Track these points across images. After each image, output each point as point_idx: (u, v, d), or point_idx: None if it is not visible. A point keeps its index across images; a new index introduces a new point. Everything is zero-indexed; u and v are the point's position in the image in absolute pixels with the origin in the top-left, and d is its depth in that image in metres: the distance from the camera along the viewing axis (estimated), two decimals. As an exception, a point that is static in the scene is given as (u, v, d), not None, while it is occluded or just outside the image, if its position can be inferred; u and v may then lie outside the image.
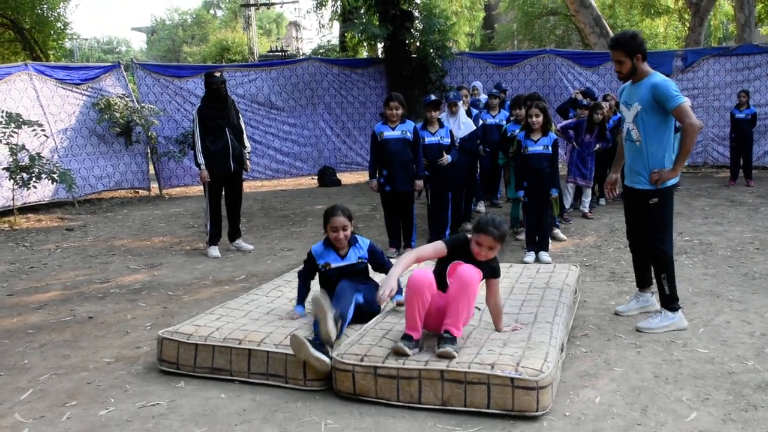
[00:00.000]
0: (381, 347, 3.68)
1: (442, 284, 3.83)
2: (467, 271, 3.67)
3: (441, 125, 7.12)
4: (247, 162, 7.37)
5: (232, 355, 3.90)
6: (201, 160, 7.04)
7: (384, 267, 4.49)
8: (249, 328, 4.08)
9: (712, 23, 18.35)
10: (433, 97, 7.32)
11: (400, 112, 6.76)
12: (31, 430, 3.38)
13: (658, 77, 4.43)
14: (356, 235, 4.52)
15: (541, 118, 6.56)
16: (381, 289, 3.68)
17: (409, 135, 6.76)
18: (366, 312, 4.20)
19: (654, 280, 4.74)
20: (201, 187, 12.91)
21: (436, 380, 3.42)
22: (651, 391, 3.62)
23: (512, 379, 3.30)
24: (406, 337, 3.65)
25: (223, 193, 7.33)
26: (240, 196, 7.52)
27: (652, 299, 4.88)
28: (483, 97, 10.29)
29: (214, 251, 7.35)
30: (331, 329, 3.70)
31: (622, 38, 4.49)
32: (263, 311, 4.47)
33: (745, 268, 6.10)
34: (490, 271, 3.93)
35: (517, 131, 7.27)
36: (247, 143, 7.40)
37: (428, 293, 3.66)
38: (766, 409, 3.39)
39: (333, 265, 4.39)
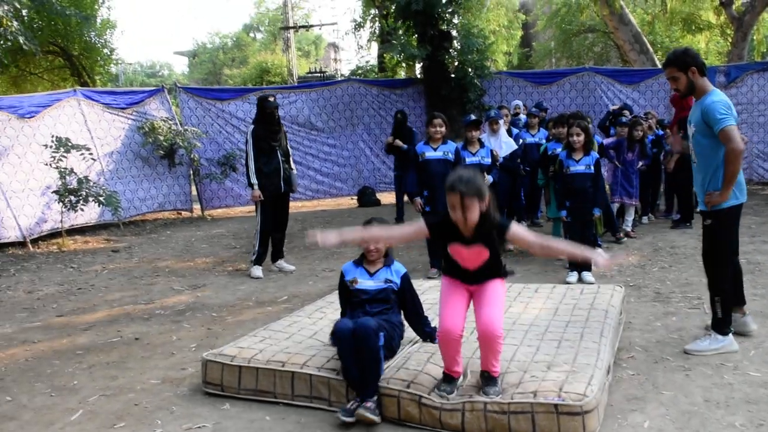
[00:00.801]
0: (426, 375, 3.66)
1: (455, 266, 3.56)
2: (485, 323, 3.42)
3: (482, 145, 7.10)
4: (295, 183, 7.56)
5: (275, 378, 3.93)
6: (254, 180, 7.20)
7: (416, 313, 4.15)
8: (292, 351, 4.10)
9: (755, 38, 18.01)
10: (473, 116, 7.33)
11: (443, 130, 6.77)
12: (81, 450, 3.44)
13: (713, 96, 4.30)
14: (393, 259, 4.26)
15: (582, 137, 6.50)
16: (318, 235, 3.39)
17: (451, 156, 6.75)
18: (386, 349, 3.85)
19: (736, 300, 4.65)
20: (242, 209, 13.31)
21: (479, 411, 3.38)
22: (702, 415, 3.54)
23: (556, 405, 3.25)
24: (446, 380, 3.56)
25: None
26: (287, 217, 7.68)
27: (745, 320, 4.73)
28: (523, 116, 10.28)
29: (258, 271, 7.44)
30: (372, 416, 3.53)
31: (673, 54, 4.46)
32: (307, 334, 4.49)
33: (797, 288, 5.93)
34: (489, 238, 3.45)
35: (558, 150, 7.23)
36: (293, 165, 7.61)
37: (460, 338, 3.49)
38: (823, 436, 3.28)
39: (360, 281, 4.10)
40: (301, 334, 4.50)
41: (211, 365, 4.09)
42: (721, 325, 4.48)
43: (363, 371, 3.62)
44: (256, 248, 7.47)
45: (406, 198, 10.06)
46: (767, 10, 15.40)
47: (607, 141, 8.83)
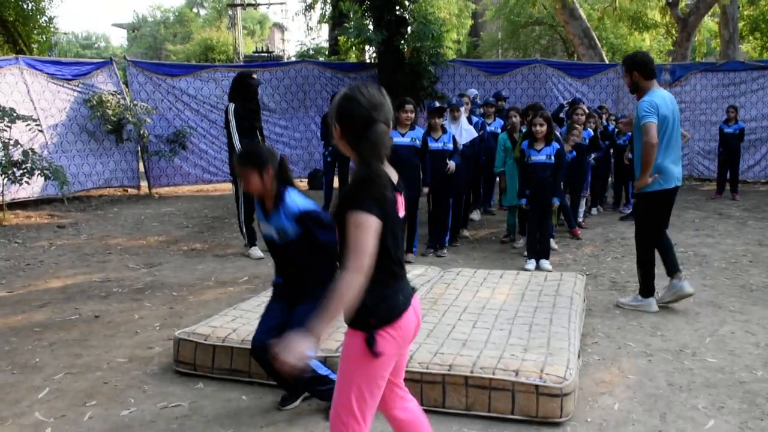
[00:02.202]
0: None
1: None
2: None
3: (444, 131, 7.16)
4: None
5: (250, 357, 3.90)
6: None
7: (323, 244, 3.26)
8: (266, 330, 4.08)
9: (696, 39, 18.69)
10: (437, 103, 7.38)
11: (413, 116, 6.75)
12: (53, 429, 3.35)
13: (646, 96, 4.93)
14: (290, 191, 3.35)
15: (545, 128, 6.63)
16: (286, 348, 2.16)
17: (418, 142, 6.76)
18: None
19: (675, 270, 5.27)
20: (190, 187, 13.05)
21: (460, 385, 3.46)
22: (667, 398, 3.70)
23: (537, 386, 3.35)
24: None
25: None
26: None
27: (682, 284, 5.25)
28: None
29: (257, 251, 7.27)
30: None
31: (626, 57, 5.20)
32: (277, 313, 4.47)
33: (742, 280, 6.24)
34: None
35: (517, 137, 7.37)
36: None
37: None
38: (780, 418, 3.48)
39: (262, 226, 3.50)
40: (272, 314, 4.48)
41: (183, 344, 4.03)
42: (643, 290, 5.29)
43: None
44: (244, 230, 7.33)
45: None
46: (710, 13, 16.02)
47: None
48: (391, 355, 2.29)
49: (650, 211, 5.13)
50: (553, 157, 6.66)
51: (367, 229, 2.13)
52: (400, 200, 2.33)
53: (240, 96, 7.15)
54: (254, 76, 7.22)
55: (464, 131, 7.74)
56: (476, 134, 7.89)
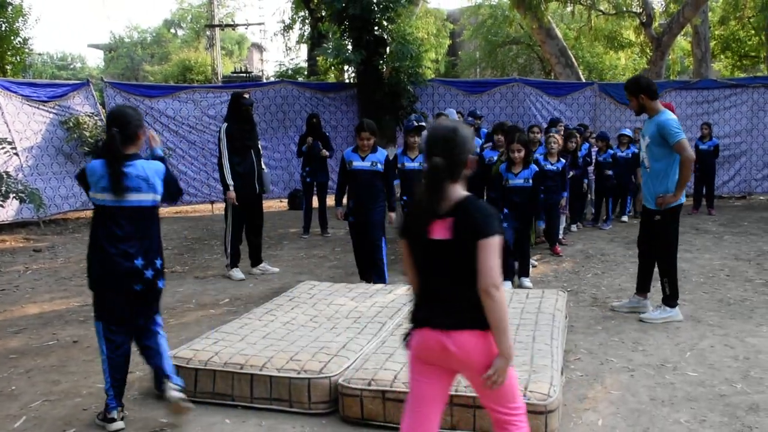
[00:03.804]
0: (386, 370, 3.70)
1: None
2: None
3: (421, 150, 7.17)
4: (268, 184, 7.37)
5: (233, 380, 3.87)
6: (230, 181, 6.92)
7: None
8: (248, 353, 4.05)
9: (670, 58, 19.03)
10: (415, 123, 7.40)
11: (371, 142, 6.42)
12: (31, 458, 3.28)
13: (665, 116, 5.17)
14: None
15: (522, 153, 6.62)
16: None
17: (380, 166, 6.40)
18: None
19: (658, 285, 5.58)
20: (169, 209, 12.93)
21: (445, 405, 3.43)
22: (649, 413, 3.72)
23: (521, 403, 3.34)
24: None
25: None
26: (262, 220, 7.47)
27: (645, 303, 5.67)
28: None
29: (238, 273, 7.23)
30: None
31: (628, 81, 5.42)
32: (259, 335, 4.44)
33: (720, 294, 6.31)
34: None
35: (495, 157, 7.42)
36: (264, 165, 7.38)
37: None
38: (760, 430, 3.51)
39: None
40: (254, 335, 4.45)
41: (164, 368, 3.97)
42: (669, 299, 5.42)
43: None
44: (229, 251, 7.25)
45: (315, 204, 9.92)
46: (683, 32, 16.32)
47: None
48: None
49: (675, 224, 5.37)
50: (530, 180, 6.62)
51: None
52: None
53: (233, 116, 7.09)
54: (246, 95, 7.14)
55: None
56: None
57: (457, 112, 11.36)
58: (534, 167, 6.74)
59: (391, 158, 6.80)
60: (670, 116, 5.19)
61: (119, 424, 3.53)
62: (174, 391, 3.51)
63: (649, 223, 5.45)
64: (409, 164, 7.05)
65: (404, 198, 7.01)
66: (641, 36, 18.68)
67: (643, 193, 5.55)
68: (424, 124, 7.84)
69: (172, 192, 3.81)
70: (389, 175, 6.57)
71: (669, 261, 5.44)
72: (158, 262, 3.64)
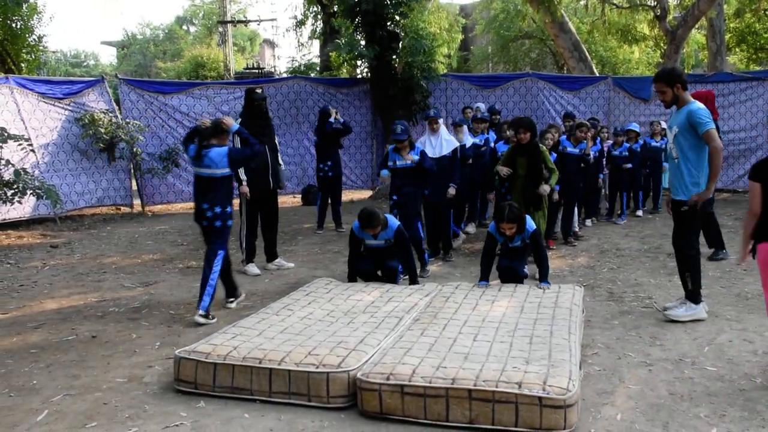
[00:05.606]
0: (405, 365, 3.71)
1: None
2: None
3: (412, 147, 7.21)
4: (284, 180, 7.38)
5: (252, 374, 3.89)
6: (243, 176, 6.93)
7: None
8: (267, 347, 4.07)
9: (684, 51, 18.87)
10: (432, 113, 7.58)
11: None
12: (54, 451, 3.32)
13: (695, 105, 5.05)
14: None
15: (513, 230, 5.83)
16: None
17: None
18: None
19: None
20: (183, 205, 12.99)
21: (463, 399, 3.45)
22: (669, 408, 3.70)
23: (540, 398, 3.35)
24: None
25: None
26: (277, 216, 7.47)
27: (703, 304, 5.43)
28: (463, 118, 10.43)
29: (254, 269, 7.26)
30: None
31: (663, 72, 5.20)
32: (277, 330, 4.47)
33: (737, 289, 6.27)
34: None
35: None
36: (281, 160, 7.39)
37: None
38: (781, 426, 3.49)
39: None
40: (271, 330, 4.48)
41: (184, 362, 4.01)
42: (692, 295, 5.32)
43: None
44: (244, 246, 7.28)
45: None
46: (697, 26, 16.16)
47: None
48: None
49: (699, 217, 5.25)
50: (527, 240, 5.99)
51: None
52: None
53: (247, 112, 7.11)
54: (258, 90, 7.13)
55: (445, 141, 7.68)
56: (457, 144, 7.77)
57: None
58: (530, 227, 5.95)
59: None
60: (701, 105, 5.07)
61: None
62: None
63: (678, 214, 5.31)
64: (400, 162, 7.10)
65: (394, 198, 7.11)
66: (655, 29, 18.50)
67: (672, 185, 5.36)
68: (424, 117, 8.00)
69: (238, 160, 5.74)
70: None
71: (691, 253, 5.28)
72: (217, 209, 5.56)
